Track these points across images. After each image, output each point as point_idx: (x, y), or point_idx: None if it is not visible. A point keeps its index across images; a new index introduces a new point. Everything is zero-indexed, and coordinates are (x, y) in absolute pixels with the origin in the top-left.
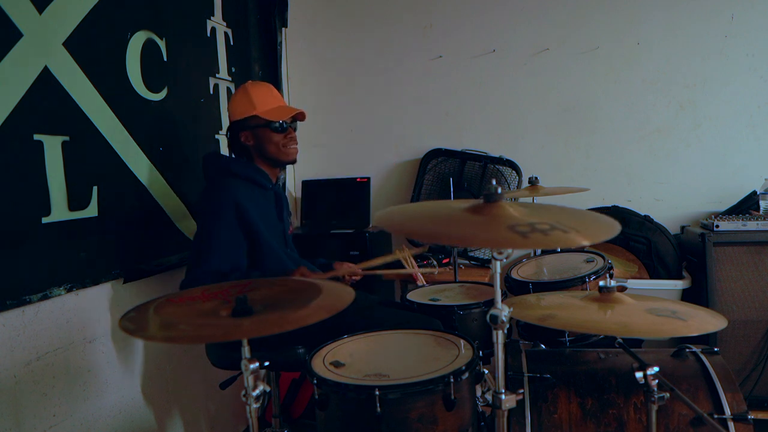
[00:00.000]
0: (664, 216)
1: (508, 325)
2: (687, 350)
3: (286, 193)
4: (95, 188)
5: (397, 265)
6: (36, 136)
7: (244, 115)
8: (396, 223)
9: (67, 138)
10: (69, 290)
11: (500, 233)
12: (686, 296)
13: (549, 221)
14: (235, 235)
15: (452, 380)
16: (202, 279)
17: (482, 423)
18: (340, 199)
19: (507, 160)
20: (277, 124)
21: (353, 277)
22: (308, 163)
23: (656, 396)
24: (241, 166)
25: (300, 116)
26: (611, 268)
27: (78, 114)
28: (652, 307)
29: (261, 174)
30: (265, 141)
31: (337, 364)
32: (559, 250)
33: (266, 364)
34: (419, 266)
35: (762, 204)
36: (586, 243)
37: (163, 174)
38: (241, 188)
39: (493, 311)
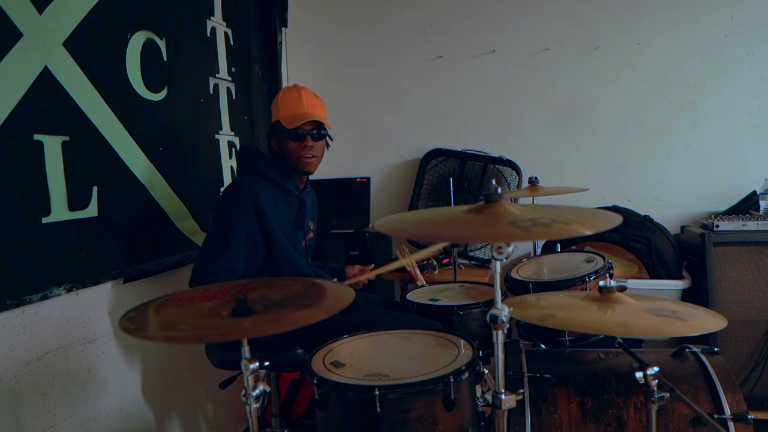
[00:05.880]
0: (664, 216)
1: (508, 325)
2: (687, 350)
3: None
4: (95, 188)
5: (401, 268)
6: (36, 136)
7: (274, 119)
8: (397, 229)
9: (67, 138)
10: (69, 290)
11: (502, 229)
12: (686, 296)
13: (550, 216)
14: (253, 234)
15: (452, 380)
16: (221, 276)
17: (482, 423)
18: (340, 199)
19: (507, 160)
20: (290, 134)
21: (362, 281)
22: None
23: (656, 396)
24: (270, 167)
25: (320, 124)
26: (611, 268)
27: (78, 114)
28: (652, 307)
29: (289, 180)
30: (284, 148)
31: (337, 364)
32: (558, 249)
33: (266, 364)
34: (419, 266)
35: (762, 204)
36: (588, 232)
37: (163, 174)
38: (264, 189)
39: (493, 311)
